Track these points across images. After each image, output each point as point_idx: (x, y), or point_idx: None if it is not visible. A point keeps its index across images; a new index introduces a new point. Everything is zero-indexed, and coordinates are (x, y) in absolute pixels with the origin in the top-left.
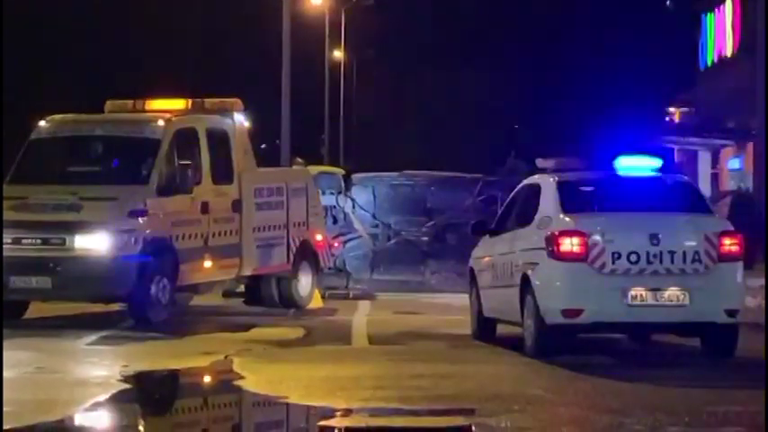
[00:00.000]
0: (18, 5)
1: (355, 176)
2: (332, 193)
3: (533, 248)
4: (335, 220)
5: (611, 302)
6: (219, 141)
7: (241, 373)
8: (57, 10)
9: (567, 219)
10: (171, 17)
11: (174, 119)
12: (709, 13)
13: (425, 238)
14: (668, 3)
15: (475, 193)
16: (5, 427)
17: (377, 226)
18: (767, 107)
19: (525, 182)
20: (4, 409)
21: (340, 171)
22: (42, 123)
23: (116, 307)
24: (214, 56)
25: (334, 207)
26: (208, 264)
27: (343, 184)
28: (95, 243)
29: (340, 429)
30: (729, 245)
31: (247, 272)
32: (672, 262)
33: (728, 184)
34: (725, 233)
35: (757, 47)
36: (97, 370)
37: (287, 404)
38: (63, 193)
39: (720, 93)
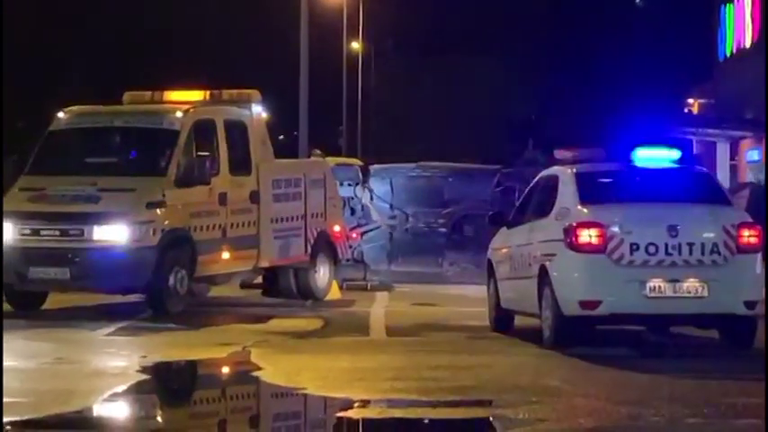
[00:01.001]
0: None
1: (373, 168)
2: (349, 185)
3: (551, 240)
4: (353, 212)
5: (629, 294)
6: (237, 132)
7: (259, 365)
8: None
9: (586, 210)
10: (188, 8)
11: (192, 110)
12: (728, 4)
13: (443, 230)
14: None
15: (493, 185)
16: (25, 417)
17: (394, 217)
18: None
19: (543, 173)
20: (23, 399)
21: (357, 162)
22: (61, 114)
23: (134, 298)
24: (232, 47)
25: (352, 198)
26: (226, 255)
27: (360, 176)
28: (114, 234)
29: (358, 421)
30: (748, 236)
31: (265, 263)
32: (690, 253)
33: (747, 176)
34: (744, 225)
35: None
36: (115, 361)
37: (305, 395)
38: (81, 184)
39: (739, 84)
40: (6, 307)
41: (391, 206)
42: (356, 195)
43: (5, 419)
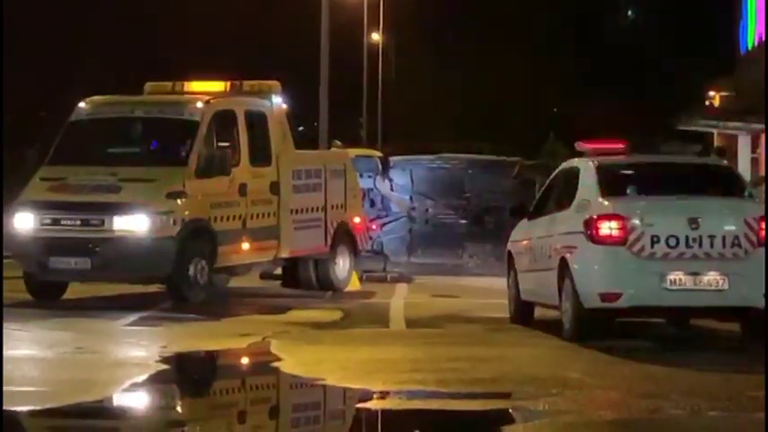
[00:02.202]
0: None
1: (393, 159)
2: (369, 176)
3: (572, 232)
4: (373, 204)
5: (649, 287)
6: (258, 123)
7: (278, 355)
8: None
9: (606, 202)
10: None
11: (212, 101)
12: None
13: (463, 222)
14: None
15: (512, 176)
16: (45, 406)
17: (414, 209)
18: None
19: (564, 165)
20: (43, 389)
21: (377, 154)
22: (82, 105)
23: (155, 288)
24: (253, 38)
25: (372, 190)
26: (246, 246)
27: (380, 167)
28: (134, 224)
29: (377, 412)
30: None
31: (285, 254)
32: (711, 246)
33: None
34: (765, 218)
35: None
36: (136, 351)
37: (324, 386)
38: (102, 174)
39: (760, 76)
40: (27, 296)
41: (411, 198)
42: (376, 187)
43: (26, 408)
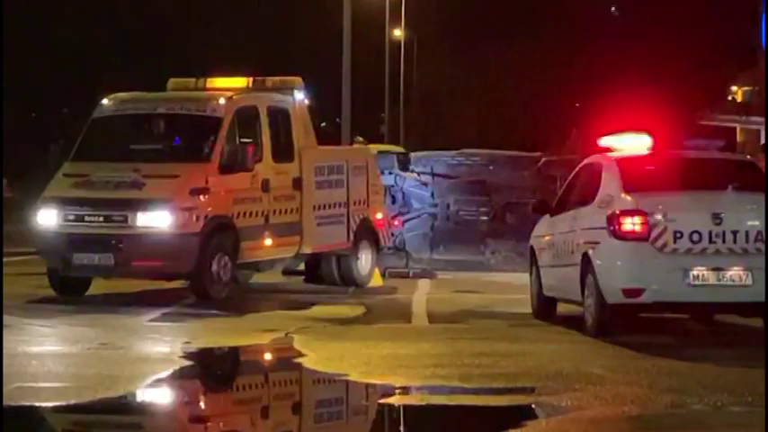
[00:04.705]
0: None
1: (413, 155)
2: (390, 173)
3: (594, 228)
4: (394, 200)
5: (672, 282)
6: (280, 119)
7: (301, 351)
8: None
9: (629, 198)
10: None
11: (235, 97)
12: None
13: (485, 218)
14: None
15: (534, 172)
16: (69, 402)
17: (435, 205)
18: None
19: (586, 161)
20: (67, 384)
21: (396, 149)
22: (105, 101)
23: (178, 284)
24: (275, 34)
25: (392, 186)
26: (268, 241)
27: (396, 164)
28: (157, 220)
29: (400, 407)
30: None
31: (307, 250)
32: (734, 241)
33: None
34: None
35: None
36: (159, 346)
37: (347, 381)
38: (125, 170)
39: None
40: (51, 293)
41: (432, 194)
42: (396, 183)
43: (51, 404)
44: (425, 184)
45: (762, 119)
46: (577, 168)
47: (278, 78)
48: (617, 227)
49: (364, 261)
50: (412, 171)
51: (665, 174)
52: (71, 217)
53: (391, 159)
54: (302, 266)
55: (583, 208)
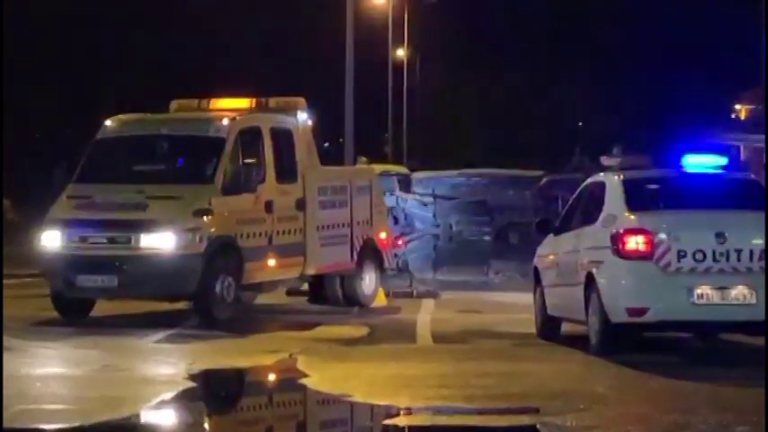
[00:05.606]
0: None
1: (415, 176)
2: (391, 194)
3: (598, 247)
4: (396, 221)
5: (676, 301)
6: (283, 140)
7: (306, 372)
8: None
9: (633, 217)
10: (234, 17)
11: (238, 118)
12: None
13: (487, 238)
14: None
15: (535, 191)
16: (73, 424)
17: (438, 226)
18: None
19: (590, 180)
20: (71, 406)
21: (398, 169)
22: (108, 123)
23: (181, 305)
24: (278, 55)
25: (394, 207)
26: (272, 262)
27: (397, 185)
28: (161, 241)
29: (404, 428)
30: None
31: (311, 270)
32: (738, 260)
33: None
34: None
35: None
36: (163, 368)
37: (351, 402)
38: (129, 191)
39: None
40: (55, 314)
41: (434, 215)
42: (398, 204)
43: (54, 426)
44: (425, 204)
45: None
46: (581, 187)
47: (281, 99)
48: (621, 246)
49: (368, 281)
50: (413, 192)
51: (669, 192)
52: (75, 239)
53: (392, 181)
54: (306, 287)
55: (587, 227)
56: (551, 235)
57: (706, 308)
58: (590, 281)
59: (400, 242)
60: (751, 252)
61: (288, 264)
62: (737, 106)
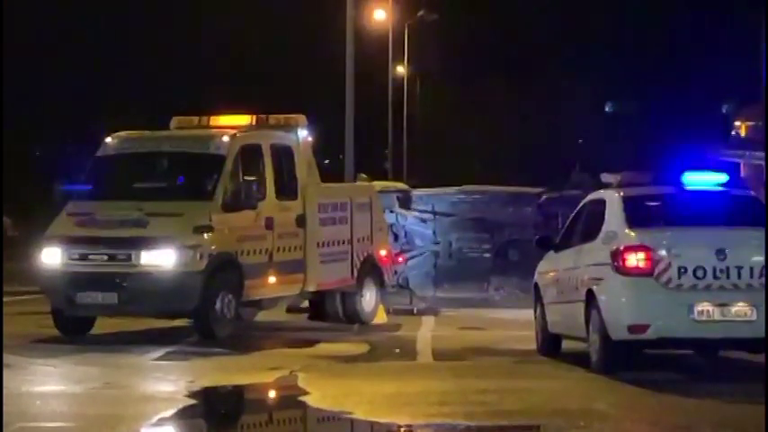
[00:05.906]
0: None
1: (415, 193)
2: (391, 211)
3: (599, 263)
4: (396, 238)
5: (677, 318)
6: (284, 157)
7: (306, 389)
8: (120, 27)
9: (633, 233)
10: (235, 34)
11: (238, 135)
12: None
13: (487, 255)
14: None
15: (535, 208)
16: None
17: (437, 243)
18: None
19: (590, 197)
20: (71, 424)
21: (398, 186)
22: (108, 140)
23: (181, 322)
24: (278, 72)
25: (394, 224)
26: (272, 279)
27: (396, 202)
28: (161, 258)
29: None
30: None
31: (311, 287)
32: (739, 277)
33: None
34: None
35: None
36: (163, 385)
37: (352, 420)
38: (129, 208)
39: None
40: (55, 332)
41: (434, 232)
42: (398, 221)
43: None
44: (425, 221)
45: (764, 154)
46: (581, 204)
47: (281, 116)
48: (621, 263)
49: (368, 298)
50: (413, 209)
51: (669, 209)
52: (75, 256)
53: (392, 197)
54: (306, 304)
55: (587, 244)
56: (552, 252)
57: (706, 325)
58: (590, 298)
59: (401, 259)
60: (751, 269)
61: (288, 281)
62: (737, 122)
